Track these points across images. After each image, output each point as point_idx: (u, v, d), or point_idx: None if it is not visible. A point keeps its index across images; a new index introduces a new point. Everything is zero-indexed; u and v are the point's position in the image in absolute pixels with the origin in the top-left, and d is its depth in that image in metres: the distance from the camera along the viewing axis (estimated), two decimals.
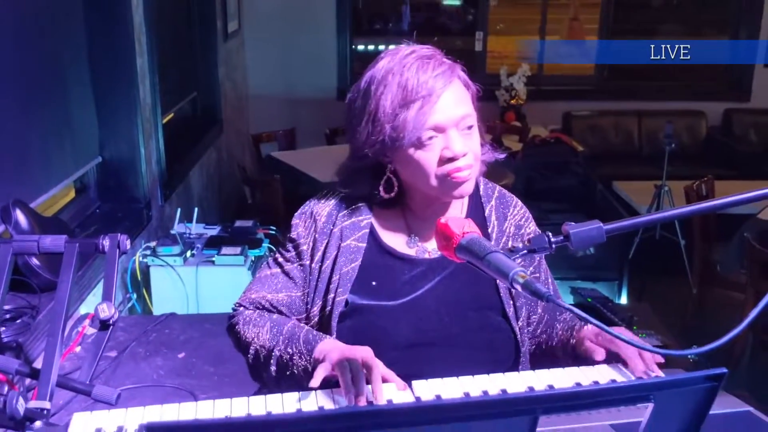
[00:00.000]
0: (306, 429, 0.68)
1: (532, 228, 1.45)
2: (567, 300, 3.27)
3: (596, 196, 3.89)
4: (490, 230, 1.38)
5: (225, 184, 5.31)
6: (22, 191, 2.79)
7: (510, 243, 1.36)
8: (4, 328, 2.37)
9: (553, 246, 1.01)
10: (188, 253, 3.18)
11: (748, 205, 1.11)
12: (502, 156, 1.42)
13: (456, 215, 1.36)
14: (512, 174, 3.19)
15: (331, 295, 1.33)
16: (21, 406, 1.26)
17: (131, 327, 2.83)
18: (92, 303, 3.04)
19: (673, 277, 3.87)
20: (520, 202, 1.48)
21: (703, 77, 6.46)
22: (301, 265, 1.39)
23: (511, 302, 1.33)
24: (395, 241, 1.39)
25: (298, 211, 1.42)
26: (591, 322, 0.86)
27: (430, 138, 1.25)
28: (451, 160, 1.25)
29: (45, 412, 1.46)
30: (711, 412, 1.04)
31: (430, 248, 1.37)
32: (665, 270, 3.86)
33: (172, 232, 3.30)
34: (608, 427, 0.94)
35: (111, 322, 2.01)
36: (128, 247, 2.10)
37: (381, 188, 1.33)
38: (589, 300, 2.95)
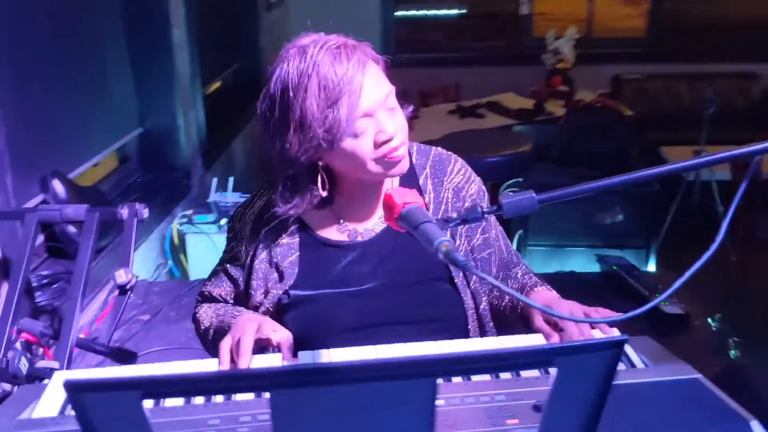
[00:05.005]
0: (203, 388, 0.74)
1: (474, 189, 1.42)
2: (593, 268, 3.25)
3: (631, 162, 3.80)
4: (427, 200, 1.37)
5: (267, 154, 5.38)
6: (62, 162, 2.92)
7: (450, 209, 1.35)
8: (40, 293, 2.50)
9: (485, 216, 1.03)
10: (222, 221, 3.27)
11: None
12: (410, 108, 1.36)
13: (388, 186, 1.35)
14: (531, 141, 3.16)
15: (271, 291, 1.36)
16: (24, 365, 1.34)
17: (165, 292, 2.94)
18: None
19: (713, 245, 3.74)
20: (459, 163, 1.44)
21: (759, 39, 6.19)
22: (238, 265, 1.44)
23: (460, 270, 1.33)
24: (326, 230, 1.39)
25: (233, 213, 1.46)
26: (522, 300, 0.88)
27: (364, 126, 1.24)
28: (386, 142, 1.24)
29: (53, 371, 1.55)
30: (659, 378, 1.06)
31: (362, 230, 1.37)
32: (703, 238, 3.74)
33: (208, 200, 3.40)
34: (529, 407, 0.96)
35: (128, 287, 2.11)
36: (146, 215, 2.19)
37: (320, 187, 1.31)
38: (614, 267, 2.91)
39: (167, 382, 0.72)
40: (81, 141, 3.17)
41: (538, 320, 1.23)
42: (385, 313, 1.31)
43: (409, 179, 1.39)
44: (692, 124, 5.69)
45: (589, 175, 3.61)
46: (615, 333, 1.24)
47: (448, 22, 6.76)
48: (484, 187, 1.44)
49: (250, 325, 1.22)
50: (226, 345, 1.21)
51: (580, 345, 0.76)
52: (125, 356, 1.95)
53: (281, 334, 1.23)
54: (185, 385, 0.72)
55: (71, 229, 2.80)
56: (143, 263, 3.31)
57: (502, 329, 1.40)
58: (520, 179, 3.39)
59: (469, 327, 1.34)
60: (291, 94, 1.22)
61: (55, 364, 1.58)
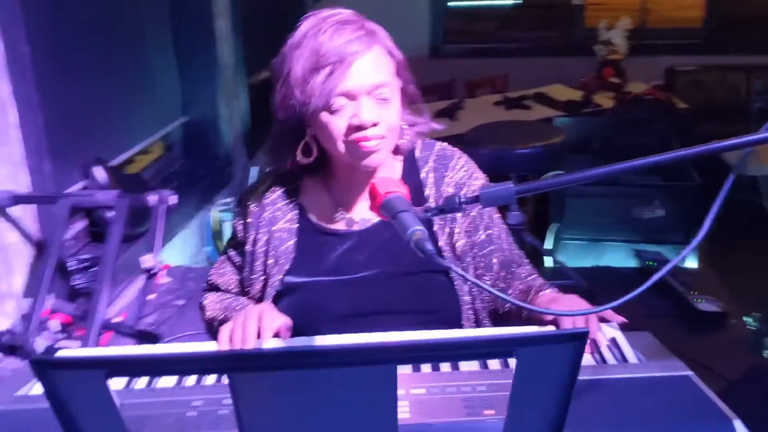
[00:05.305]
0: (163, 369, 0.76)
1: (477, 184, 1.40)
2: (629, 263, 3.19)
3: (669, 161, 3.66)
4: (426, 193, 1.36)
5: None
6: (105, 149, 3.00)
7: None
8: (78, 276, 2.58)
9: (463, 206, 1.02)
10: None
11: None
12: (439, 127, 1.39)
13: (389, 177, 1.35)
14: (564, 132, 3.10)
15: (268, 278, 1.37)
16: (41, 343, 1.39)
17: (201, 277, 3.00)
18: (169, 255, 3.24)
19: (759, 242, 3.64)
20: (464, 159, 1.42)
21: None
22: (241, 251, 1.46)
23: (458, 262, 1.32)
24: (324, 217, 1.40)
25: (238, 199, 1.48)
26: (508, 300, 0.87)
27: (342, 105, 1.23)
28: (360, 128, 1.23)
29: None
30: (649, 374, 1.04)
31: (358, 218, 1.38)
32: (747, 235, 3.62)
33: None
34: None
35: (153, 271, 2.17)
36: (174, 202, 2.24)
37: (299, 152, 1.32)
38: (650, 263, 2.85)
39: (129, 362, 0.74)
40: (125, 129, 3.25)
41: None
42: (379, 303, 1.32)
43: (411, 171, 1.38)
44: (748, 118, 5.52)
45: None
46: (616, 321, 1.21)
47: (500, 13, 6.68)
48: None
49: (252, 311, 1.24)
50: (226, 330, 1.23)
51: (538, 335, 0.75)
52: (148, 339, 2.00)
53: (282, 322, 1.24)
54: (146, 366, 0.74)
55: (109, 214, 2.88)
56: (183, 249, 3.38)
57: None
58: (560, 172, 3.34)
59: (464, 322, 1.32)
60: (288, 50, 1.26)
61: (77, 344, 1.63)
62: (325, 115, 1.25)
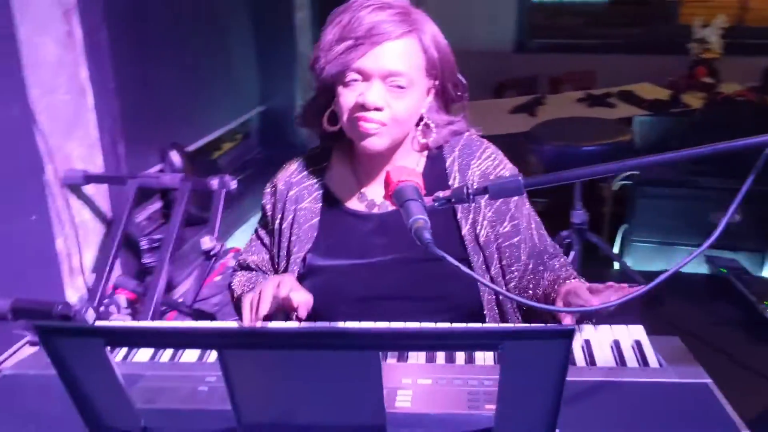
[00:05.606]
0: (157, 341, 0.79)
1: (503, 174, 1.37)
2: (700, 270, 3.05)
3: (752, 160, 3.48)
4: (451, 181, 1.35)
5: None
6: (183, 135, 3.12)
7: None
8: (149, 255, 2.69)
9: (471, 196, 1.00)
10: None
11: None
12: (474, 130, 1.40)
13: (411, 167, 1.35)
14: (630, 131, 3.00)
15: (291, 256, 1.39)
16: (91, 316, 1.47)
17: None
18: (240, 239, 3.34)
19: None
20: (491, 149, 1.40)
21: None
22: (269, 230, 1.48)
23: (481, 253, 1.30)
24: (347, 197, 1.40)
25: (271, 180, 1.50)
26: (495, 290, 0.86)
27: (354, 80, 1.25)
28: (363, 108, 1.24)
29: None
30: (666, 379, 1.01)
31: (379, 201, 1.38)
32: None
33: None
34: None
35: (212, 253, 2.24)
36: (233, 187, 2.31)
37: (325, 119, 1.34)
38: (723, 270, 2.73)
39: (125, 333, 0.78)
40: (203, 116, 3.36)
41: (565, 318, 1.18)
42: (394, 288, 1.32)
43: (437, 160, 1.38)
44: None
45: (703, 171, 3.39)
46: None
47: (590, 8, 6.53)
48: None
49: (271, 281, 1.26)
50: (247, 300, 1.26)
51: (522, 330, 0.75)
52: (203, 317, 2.07)
53: (301, 295, 1.26)
54: (140, 337, 0.78)
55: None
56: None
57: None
58: (635, 172, 3.25)
59: (485, 312, 1.31)
60: (331, 16, 1.30)
61: (127, 319, 1.71)
62: (340, 88, 1.27)
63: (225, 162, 3.61)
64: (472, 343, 0.76)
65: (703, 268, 2.95)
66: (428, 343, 0.76)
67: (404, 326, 1.20)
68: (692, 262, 3.03)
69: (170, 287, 2.70)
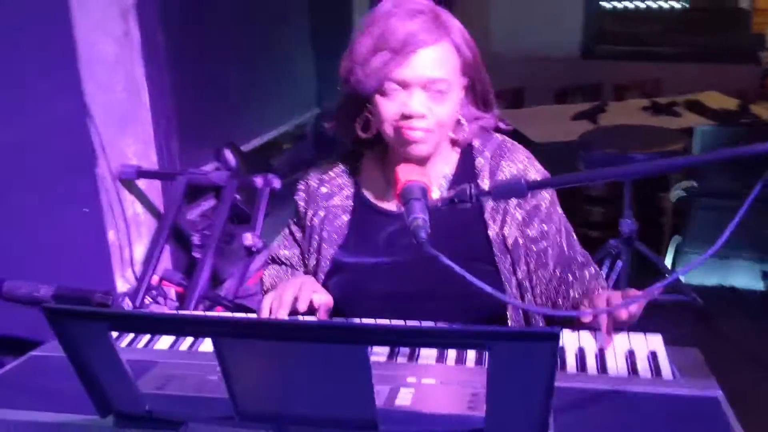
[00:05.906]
0: (156, 327, 0.82)
1: (533, 178, 1.35)
2: (756, 286, 2.94)
3: None
4: (480, 182, 1.35)
5: None
6: (239, 134, 3.19)
7: None
8: (198, 250, 2.76)
9: (473, 197, 1.00)
10: None
11: None
12: (504, 126, 1.39)
13: (441, 168, 1.35)
14: (685, 140, 2.91)
15: (320, 253, 1.40)
16: (128, 304, 1.52)
17: None
18: None
19: None
20: (523, 153, 1.40)
21: None
22: (301, 225, 1.50)
23: (508, 255, 1.29)
24: (377, 196, 1.41)
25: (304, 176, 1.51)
26: (496, 294, 0.87)
27: (394, 89, 1.25)
28: (407, 117, 1.25)
29: None
30: (676, 391, 0.98)
31: None
32: None
33: None
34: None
35: (254, 249, 2.29)
36: (277, 186, 2.35)
37: (358, 125, 1.35)
38: None
39: (127, 318, 0.81)
40: (259, 116, 3.43)
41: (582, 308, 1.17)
42: (418, 287, 1.32)
43: (467, 160, 1.39)
44: None
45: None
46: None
47: (659, 15, 6.38)
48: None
49: (293, 282, 1.29)
50: (268, 299, 1.29)
51: (509, 331, 0.75)
52: (243, 311, 2.11)
53: (321, 297, 1.29)
54: (140, 323, 0.81)
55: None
56: None
57: None
58: (691, 182, 3.16)
59: (509, 314, 1.30)
60: (364, 25, 1.28)
61: (164, 309, 1.76)
62: (378, 97, 1.28)
63: (280, 163, 3.68)
64: (459, 342, 0.76)
65: (759, 284, 2.85)
66: (415, 340, 0.77)
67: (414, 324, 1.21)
68: (749, 277, 2.94)
69: (218, 282, 2.77)
